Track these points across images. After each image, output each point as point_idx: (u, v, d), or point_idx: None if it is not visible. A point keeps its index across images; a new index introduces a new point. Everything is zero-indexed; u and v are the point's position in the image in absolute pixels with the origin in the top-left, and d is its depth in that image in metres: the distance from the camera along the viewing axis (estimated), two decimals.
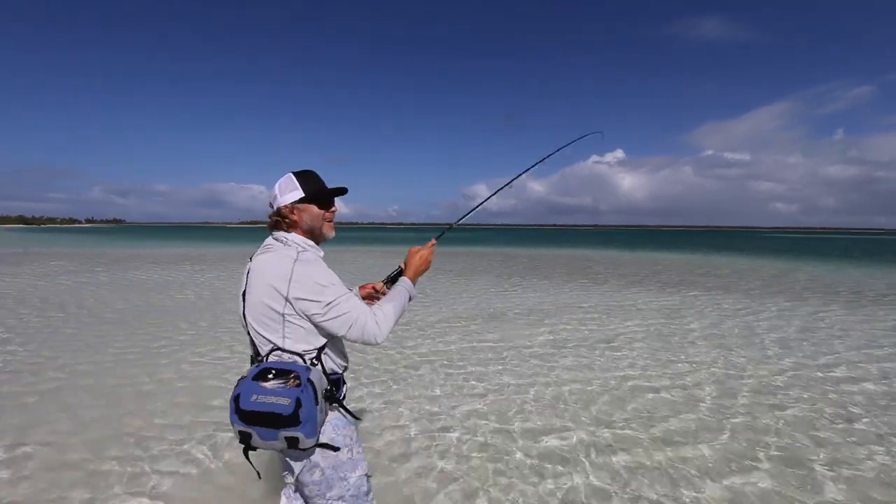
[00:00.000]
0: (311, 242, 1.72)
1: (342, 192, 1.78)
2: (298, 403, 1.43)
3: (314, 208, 1.73)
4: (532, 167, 2.62)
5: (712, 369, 5.44)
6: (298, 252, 1.61)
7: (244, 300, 1.64)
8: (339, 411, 1.72)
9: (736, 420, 4.01)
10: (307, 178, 1.73)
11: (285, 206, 1.69)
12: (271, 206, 1.72)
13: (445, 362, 5.68)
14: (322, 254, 1.74)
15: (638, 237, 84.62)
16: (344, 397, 1.74)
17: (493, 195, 2.54)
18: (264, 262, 1.62)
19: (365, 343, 1.60)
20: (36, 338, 6.56)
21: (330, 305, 1.55)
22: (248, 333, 1.66)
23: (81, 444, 3.47)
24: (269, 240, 1.72)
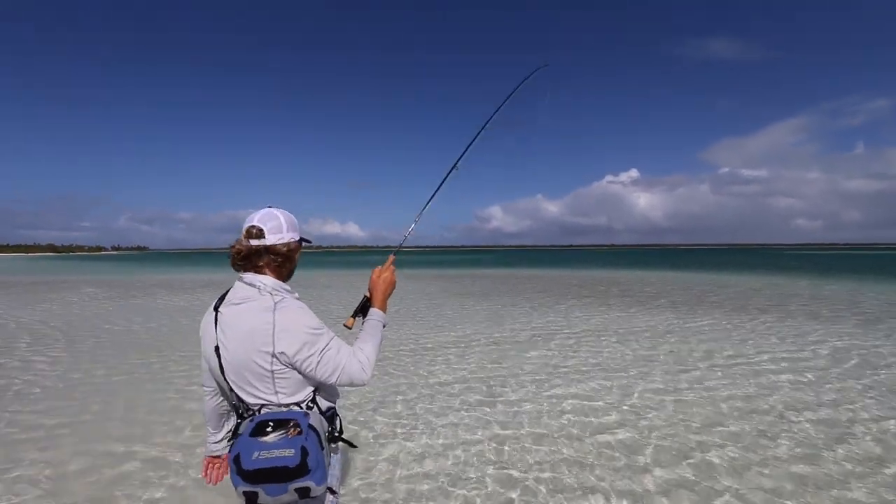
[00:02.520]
0: (286, 286, 1.60)
1: (309, 241, 1.72)
2: (305, 452, 1.38)
3: (299, 252, 1.68)
4: (479, 133, 2.46)
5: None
6: (276, 301, 1.49)
7: (218, 355, 1.52)
8: (339, 445, 1.70)
9: None
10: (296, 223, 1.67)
11: (292, 243, 1.61)
12: (256, 236, 1.55)
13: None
14: (297, 295, 1.61)
15: (660, 256, 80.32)
16: (341, 430, 1.69)
17: (439, 188, 2.29)
18: (240, 316, 1.49)
19: (351, 386, 1.55)
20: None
21: (322, 352, 1.49)
22: (230, 389, 1.54)
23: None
24: (241, 287, 1.56)
